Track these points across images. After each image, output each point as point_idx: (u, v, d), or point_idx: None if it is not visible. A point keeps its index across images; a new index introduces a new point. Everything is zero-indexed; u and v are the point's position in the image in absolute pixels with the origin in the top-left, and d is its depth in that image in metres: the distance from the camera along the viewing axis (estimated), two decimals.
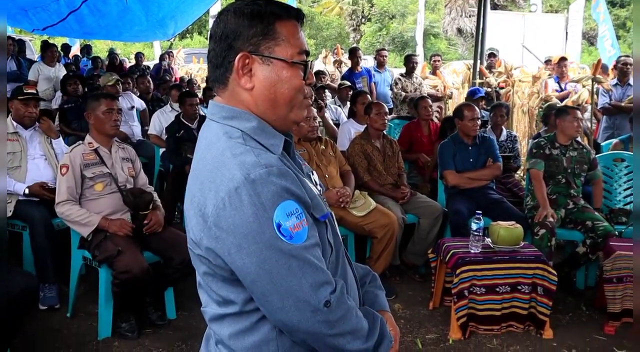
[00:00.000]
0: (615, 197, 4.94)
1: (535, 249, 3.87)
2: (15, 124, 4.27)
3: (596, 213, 4.38)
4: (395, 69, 11.80)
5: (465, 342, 3.59)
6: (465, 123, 4.80)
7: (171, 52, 13.86)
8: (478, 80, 8.55)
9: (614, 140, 5.74)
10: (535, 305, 3.64)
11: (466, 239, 3.83)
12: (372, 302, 1.53)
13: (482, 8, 8.63)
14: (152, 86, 8.20)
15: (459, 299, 3.59)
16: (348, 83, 7.83)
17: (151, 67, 12.71)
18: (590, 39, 24.98)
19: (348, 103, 6.70)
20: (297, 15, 1.33)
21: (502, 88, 8.58)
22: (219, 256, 1.21)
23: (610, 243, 3.91)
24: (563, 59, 8.46)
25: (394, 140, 5.13)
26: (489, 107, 6.57)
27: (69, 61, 12.07)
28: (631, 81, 6.76)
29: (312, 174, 1.47)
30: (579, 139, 4.69)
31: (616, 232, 4.20)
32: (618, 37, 17.11)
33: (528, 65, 10.44)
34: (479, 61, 8.79)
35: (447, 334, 3.66)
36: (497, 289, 3.62)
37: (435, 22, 29.52)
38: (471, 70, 9.28)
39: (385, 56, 9.20)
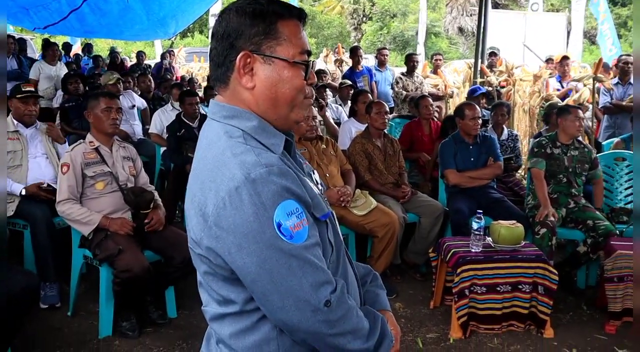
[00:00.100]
0: (616, 197, 4.94)
1: (536, 248, 3.87)
2: (16, 122, 4.27)
3: (597, 212, 4.38)
4: (396, 68, 11.79)
5: (466, 341, 3.59)
6: (466, 122, 4.80)
7: (172, 51, 13.87)
8: (479, 80, 8.55)
9: (615, 140, 5.73)
10: (536, 304, 3.64)
11: (467, 238, 3.83)
12: (373, 302, 1.53)
13: (483, 7, 8.63)
14: (153, 85, 8.21)
15: (460, 298, 3.59)
16: (349, 82, 7.83)
17: (152, 66, 12.70)
18: (591, 37, 24.94)
19: (349, 102, 6.70)
20: (299, 15, 1.32)
21: (503, 87, 8.58)
22: (219, 256, 1.21)
23: (611, 242, 3.91)
24: (565, 58, 8.46)
25: (394, 139, 5.13)
26: (490, 106, 6.57)
27: (70, 60, 12.07)
28: (632, 80, 6.75)
29: (313, 173, 1.47)
30: (580, 138, 4.69)
31: (617, 232, 4.19)
32: (619, 36, 17.09)
33: (529, 64, 10.43)
34: (480, 60, 8.78)
35: (448, 333, 3.66)
36: (498, 288, 3.62)
37: (436, 21, 29.50)
38: (472, 69, 9.28)
39: (386, 55, 9.20)
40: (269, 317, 1.25)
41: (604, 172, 4.85)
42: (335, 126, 6.36)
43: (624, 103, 6.85)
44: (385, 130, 5.04)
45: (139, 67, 11.32)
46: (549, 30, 15.98)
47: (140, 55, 12.24)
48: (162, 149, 6.23)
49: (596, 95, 6.96)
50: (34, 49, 13.19)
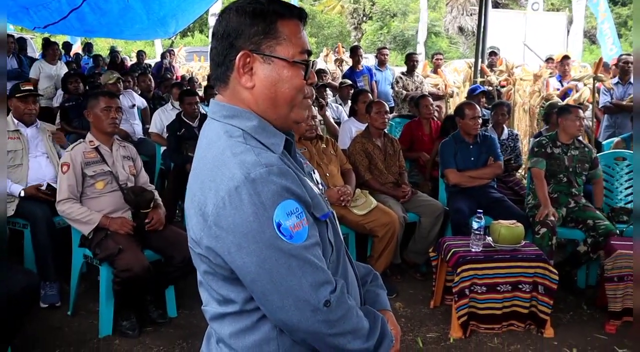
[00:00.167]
0: (617, 196, 4.94)
1: (536, 247, 3.87)
2: (16, 121, 4.27)
3: (597, 212, 4.38)
4: (396, 67, 11.79)
5: (466, 341, 3.59)
6: (466, 122, 4.80)
7: (172, 50, 13.88)
8: (479, 79, 8.55)
9: (616, 139, 5.73)
10: (536, 304, 3.63)
11: (467, 237, 3.82)
12: (373, 302, 1.53)
13: (484, 6, 8.63)
14: (153, 84, 8.21)
15: (460, 298, 3.59)
16: (349, 82, 7.83)
17: (152, 65, 12.71)
18: (591, 37, 24.94)
19: (349, 102, 6.70)
20: (299, 15, 1.32)
21: (503, 87, 8.58)
22: (218, 255, 1.21)
23: (612, 242, 3.91)
24: (566, 57, 8.46)
25: (395, 139, 5.13)
26: (490, 106, 6.57)
27: (70, 59, 12.08)
28: (632, 80, 6.75)
29: (314, 173, 1.47)
30: (580, 137, 4.69)
31: (617, 231, 4.19)
32: (620, 35, 17.09)
33: (529, 64, 10.44)
34: (480, 60, 8.79)
35: (448, 333, 3.66)
36: (498, 288, 3.62)
37: (436, 20, 29.50)
38: (472, 68, 9.28)
39: (387, 55, 9.19)
40: (268, 317, 1.25)
41: (605, 172, 4.85)
42: (336, 126, 6.36)
43: (624, 103, 6.85)
44: (386, 130, 5.04)
45: (139, 67, 11.32)
46: (549, 30, 15.99)
47: (140, 54, 12.24)
48: (162, 148, 6.23)
49: (596, 94, 6.95)
50: (34, 48, 13.19)
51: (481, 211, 3.83)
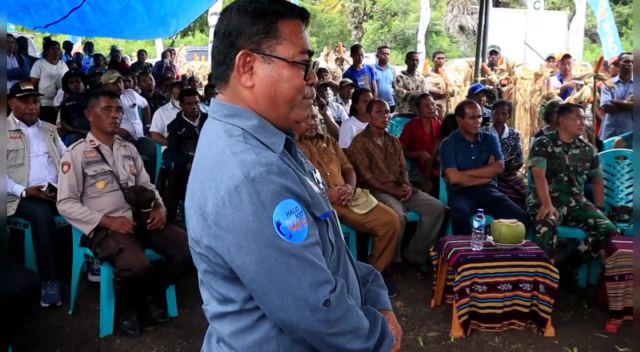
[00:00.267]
0: (618, 195, 4.93)
1: (537, 247, 3.86)
2: (17, 121, 4.27)
3: (598, 211, 4.38)
4: (397, 66, 11.79)
5: (467, 340, 3.58)
6: (466, 120, 4.80)
7: (173, 49, 13.87)
8: (480, 78, 8.54)
9: (617, 138, 5.73)
10: (537, 303, 3.63)
11: (468, 236, 3.82)
12: (374, 301, 1.53)
13: (484, 5, 8.62)
14: (153, 84, 8.20)
15: (461, 297, 3.58)
16: (350, 81, 7.83)
17: (153, 64, 12.71)
18: (592, 36, 24.94)
19: (350, 101, 6.70)
20: (301, 15, 1.32)
21: (504, 85, 8.57)
22: (218, 255, 1.21)
23: (612, 241, 3.90)
24: (567, 56, 8.45)
25: (395, 138, 5.12)
26: (491, 105, 6.56)
27: (71, 59, 12.08)
28: (633, 79, 6.74)
29: (315, 172, 1.47)
30: (581, 136, 4.68)
31: (618, 230, 4.19)
32: (621, 34, 17.07)
33: (530, 63, 10.43)
34: (481, 58, 8.78)
35: (449, 332, 3.66)
36: (499, 287, 3.62)
37: (437, 19, 29.48)
38: (473, 67, 9.27)
39: (387, 54, 9.18)
40: (268, 316, 1.25)
41: (605, 171, 4.85)
42: (336, 125, 6.36)
43: (625, 101, 6.84)
44: (386, 129, 5.04)
45: (140, 66, 11.31)
46: (549, 29, 15.97)
47: (141, 54, 12.24)
48: (163, 147, 6.23)
49: (597, 93, 6.94)
50: (35, 48, 13.20)
51: (482, 210, 3.83)
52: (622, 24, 24.22)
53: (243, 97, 1.30)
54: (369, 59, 13.14)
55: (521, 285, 3.64)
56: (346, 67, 9.88)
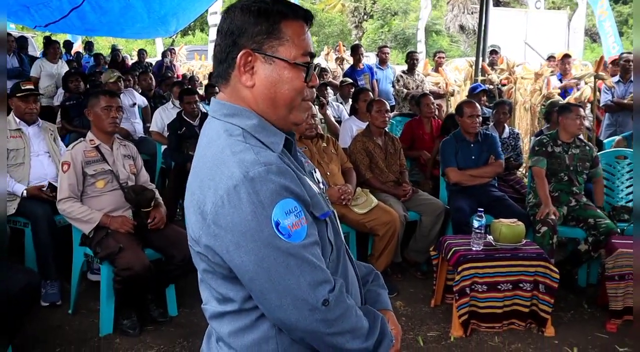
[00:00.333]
0: (618, 195, 4.93)
1: (537, 246, 3.86)
2: (18, 120, 4.27)
3: (598, 210, 4.37)
4: (397, 66, 11.79)
5: (467, 339, 3.58)
6: (464, 120, 4.81)
7: (173, 49, 13.86)
8: (480, 78, 8.54)
9: (617, 138, 5.72)
10: (537, 303, 3.63)
11: (468, 236, 3.82)
12: (374, 301, 1.53)
13: (485, 5, 8.62)
14: (154, 83, 8.20)
15: (461, 297, 3.58)
16: (350, 80, 7.82)
17: (153, 64, 12.71)
18: (592, 35, 24.94)
19: (350, 100, 6.70)
20: (304, 16, 1.32)
21: (504, 85, 8.57)
22: (217, 254, 1.21)
23: (613, 241, 3.90)
24: (567, 56, 8.44)
25: (395, 137, 5.12)
26: (491, 105, 6.56)
27: (71, 58, 12.08)
28: (633, 78, 6.73)
29: (315, 172, 1.47)
30: (581, 136, 4.68)
31: (618, 230, 4.18)
32: (621, 34, 17.07)
33: (530, 62, 10.42)
34: (481, 58, 8.78)
35: (449, 332, 3.66)
36: (499, 287, 3.62)
37: (437, 19, 29.49)
38: (473, 67, 9.27)
39: (387, 53, 9.18)
40: (267, 316, 1.25)
41: (606, 170, 4.85)
42: (336, 124, 6.36)
43: (625, 101, 6.84)
44: (386, 129, 5.03)
45: (140, 65, 11.32)
46: (550, 28, 15.97)
47: (141, 53, 12.24)
48: (163, 147, 6.23)
49: (597, 93, 6.93)
50: (35, 47, 13.20)
51: (482, 209, 3.83)
52: (622, 24, 24.23)
53: (243, 96, 1.30)
54: (369, 59, 13.15)
55: (521, 285, 3.64)
56: (346, 66, 9.89)
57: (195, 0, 7.56)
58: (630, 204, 4.72)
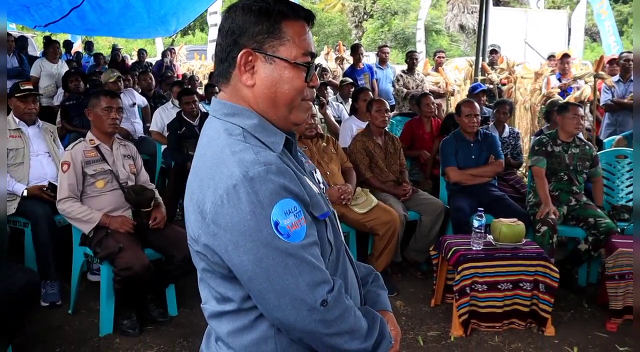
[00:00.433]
0: (618, 194, 4.93)
1: (537, 246, 3.86)
2: (17, 120, 4.27)
3: (598, 210, 4.37)
4: (397, 65, 11.79)
5: (467, 339, 3.58)
6: (462, 119, 4.82)
7: (173, 48, 13.86)
8: (480, 77, 8.54)
9: (617, 137, 5.72)
10: (537, 302, 3.63)
11: (468, 236, 3.82)
12: (373, 302, 1.52)
13: (485, 4, 8.62)
14: (153, 83, 8.20)
15: (461, 296, 3.58)
16: (350, 80, 7.82)
17: (153, 63, 12.71)
18: (592, 35, 24.95)
19: (350, 100, 6.70)
20: (306, 16, 1.32)
21: (504, 85, 8.57)
22: (216, 253, 1.21)
23: (613, 240, 3.90)
24: (566, 55, 8.43)
25: (395, 137, 5.12)
26: (491, 104, 6.56)
27: (71, 58, 12.08)
28: (633, 78, 6.73)
29: (315, 172, 1.47)
30: (580, 135, 4.68)
31: (618, 229, 4.18)
32: (621, 33, 17.07)
33: (530, 62, 10.42)
34: (481, 58, 8.78)
35: (449, 331, 3.66)
36: (499, 286, 3.62)
37: (437, 18, 29.49)
38: (473, 66, 9.27)
39: (387, 53, 9.18)
40: (265, 316, 1.25)
41: (606, 170, 4.85)
42: (336, 124, 6.36)
43: (625, 100, 6.84)
44: (386, 128, 5.03)
45: (140, 65, 11.32)
46: (550, 28, 15.96)
47: (141, 53, 12.24)
48: (163, 147, 6.23)
49: (597, 92, 6.93)
50: (35, 47, 13.20)
51: (482, 209, 3.83)
52: (623, 23, 24.23)
53: (243, 95, 1.30)
54: (369, 58, 13.15)
55: (521, 284, 3.63)
56: (346, 66, 9.88)
57: (195, 0, 7.57)
58: (630, 204, 4.72)
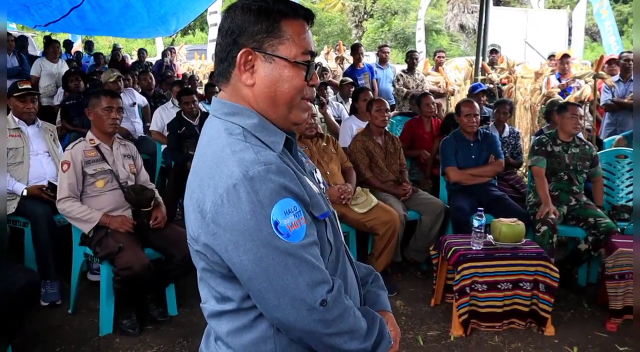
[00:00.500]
0: (618, 194, 4.93)
1: (537, 246, 3.86)
2: (17, 120, 4.27)
3: (598, 210, 4.37)
4: (397, 65, 11.79)
5: (467, 339, 3.58)
6: (461, 119, 4.82)
7: (173, 48, 13.86)
8: (480, 77, 8.54)
9: (617, 137, 5.72)
10: (537, 302, 3.63)
11: (468, 235, 3.82)
12: (373, 302, 1.52)
13: (485, 4, 8.61)
14: (154, 82, 8.20)
15: (461, 296, 3.58)
16: (350, 80, 7.81)
17: (153, 63, 12.70)
18: (592, 34, 24.95)
19: (350, 100, 6.69)
20: (305, 15, 1.32)
21: (504, 84, 8.56)
22: (216, 253, 1.21)
23: (613, 240, 3.90)
24: (566, 56, 8.43)
25: (395, 137, 5.12)
26: (491, 104, 6.55)
27: (71, 57, 12.07)
28: (633, 77, 6.72)
29: (315, 172, 1.47)
30: (580, 135, 4.68)
31: (618, 229, 4.18)
32: (621, 33, 17.06)
33: (530, 62, 10.41)
34: (481, 57, 8.77)
35: (449, 331, 3.66)
36: (499, 286, 3.62)
37: (437, 18, 29.48)
38: (473, 66, 9.27)
39: (388, 53, 9.18)
40: (265, 316, 1.25)
41: (606, 170, 4.85)
42: (336, 124, 6.36)
43: (625, 100, 6.83)
44: (386, 128, 5.03)
45: (140, 65, 11.32)
46: (550, 27, 15.95)
47: (141, 52, 12.24)
48: (163, 146, 6.23)
49: (597, 92, 6.93)
50: (35, 47, 13.19)
51: (482, 208, 3.82)
52: (623, 23, 24.23)
53: (243, 95, 1.30)
54: (370, 58, 13.15)
55: (521, 284, 3.63)
56: (346, 65, 9.88)
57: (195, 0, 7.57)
58: (630, 203, 4.72)
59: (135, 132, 6.45)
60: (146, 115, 7.17)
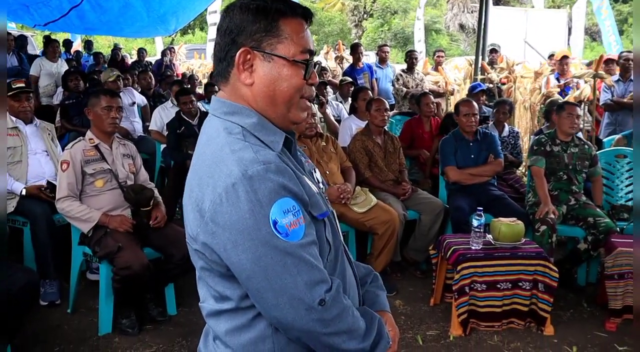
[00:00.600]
0: (617, 194, 4.93)
1: (537, 245, 3.86)
2: (14, 119, 4.26)
3: (598, 209, 4.37)
4: (397, 65, 11.79)
5: (466, 338, 3.58)
6: (460, 118, 4.83)
7: (173, 48, 13.85)
8: (480, 76, 8.54)
9: (617, 136, 5.72)
10: (536, 301, 3.63)
11: (467, 235, 3.82)
12: (372, 302, 1.52)
13: (484, 3, 8.61)
14: (153, 82, 8.19)
15: (460, 296, 3.58)
16: (349, 79, 7.81)
17: (153, 63, 12.70)
18: (592, 34, 24.95)
19: (349, 99, 6.69)
20: (303, 14, 1.32)
21: (504, 84, 8.56)
22: (214, 252, 1.21)
23: (612, 239, 3.90)
24: (565, 57, 8.42)
25: (395, 136, 5.12)
26: (491, 104, 6.55)
27: (71, 57, 12.07)
28: (633, 77, 6.72)
29: (314, 172, 1.47)
30: (580, 135, 4.68)
31: (617, 229, 4.18)
32: (621, 33, 17.07)
33: (530, 61, 10.41)
34: (480, 57, 8.77)
35: (448, 331, 3.66)
36: (498, 286, 3.62)
37: (437, 17, 29.48)
38: (473, 66, 9.26)
39: (387, 52, 9.18)
40: (263, 315, 1.25)
41: (605, 169, 4.85)
42: (336, 123, 6.36)
43: (625, 100, 6.83)
44: (386, 128, 5.03)
45: (140, 64, 11.32)
46: (550, 27, 15.95)
47: (141, 52, 12.24)
48: (162, 146, 6.22)
49: (596, 92, 6.93)
50: (35, 46, 13.19)
51: (481, 208, 3.82)
52: (623, 22, 24.24)
53: (242, 94, 1.30)
54: (369, 58, 13.15)
55: (520, 284, 3.63)
56: (346, 65, 9.88)
57: None
58: (629, 203, 4.72)
59: (134, 132, 6.45)
60: (145, 114, 7.16)
